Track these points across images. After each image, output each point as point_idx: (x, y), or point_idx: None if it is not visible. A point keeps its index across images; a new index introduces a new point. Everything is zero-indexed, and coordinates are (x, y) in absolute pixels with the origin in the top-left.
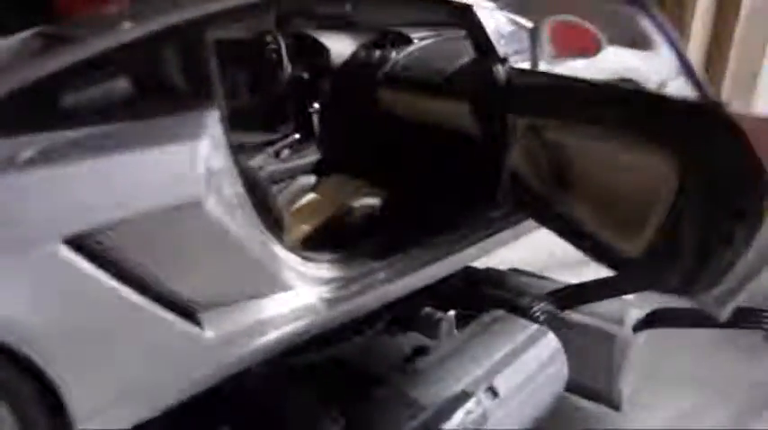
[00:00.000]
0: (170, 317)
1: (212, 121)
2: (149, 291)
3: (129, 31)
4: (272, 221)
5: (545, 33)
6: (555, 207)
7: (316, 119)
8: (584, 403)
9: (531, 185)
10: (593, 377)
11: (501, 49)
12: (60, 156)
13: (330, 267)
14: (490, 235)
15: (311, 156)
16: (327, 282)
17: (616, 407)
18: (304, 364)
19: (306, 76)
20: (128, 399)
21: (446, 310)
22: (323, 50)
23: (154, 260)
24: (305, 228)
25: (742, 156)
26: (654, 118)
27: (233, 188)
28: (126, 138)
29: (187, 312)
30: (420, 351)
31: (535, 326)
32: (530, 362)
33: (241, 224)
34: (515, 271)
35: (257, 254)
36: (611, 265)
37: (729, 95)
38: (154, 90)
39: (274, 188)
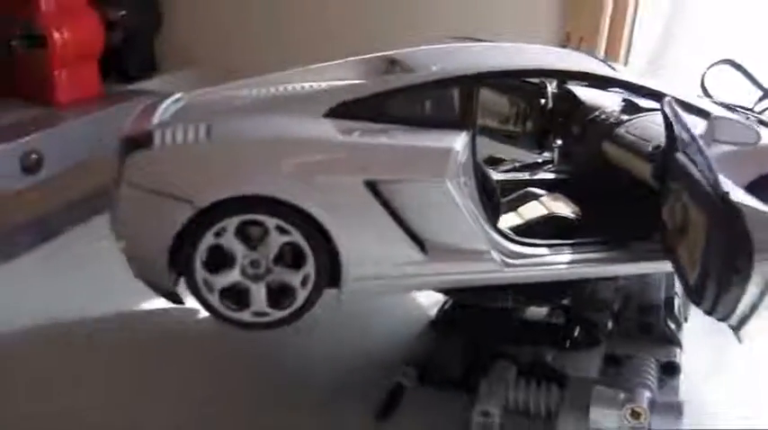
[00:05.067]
0: (411, 243)
1: (465, 138)
2: (402, 223)
3: (433, 74)
4: (489, 205)
5: (712, 129)
6: (674, 248)
7: (557, 151)
8: None
9: (667, 231)
10: None
11: (682, 135)
12: (375, 134)
13: (517, 245)
14: (647, 259)
15: (545, 175)
16: (512, 253)
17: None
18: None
19: (561, 119)
20: (371, 282)
21: None
22: (579, 102)
23: (409, 208)
24: (518, 220)
25: (738, 229)
26: (709, 200)
27: (467, 178)
28: (415, 135)
29: (422, 244)
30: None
31: None
32: None
33: (465, 202)
34: None
35: (471, 222)
36: (686, 292)
37: None
38: (441, 112)
39: (512, 191)
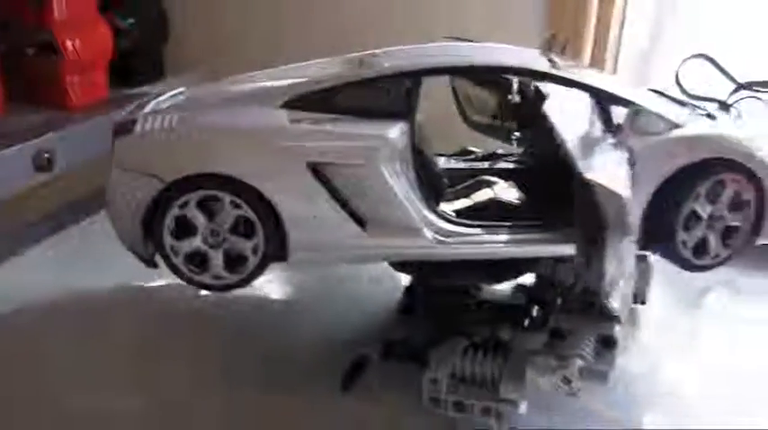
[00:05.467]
0: (350, 220)
1: (402, 127)
2: (342, 202)
3: (377, 71)
4: (426, 188)
5: (628, 120)
6: None
7: (517, 142)
8: None
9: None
10: None
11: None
12: (320, 123)
13: (451, 224)
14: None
15: (505, 165)
16: (445, 232)
17: (643, 302)
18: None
19: (525, 110)
20: (314, 253)
21: None
22: (542, 97)
23: (348, 188)
24: (466, 203)
25: (590, 206)
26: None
27: (404, 163)
28: (356, 124)
29: (359, 219)
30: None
31: None
32: None
33: (400, 184)
34: None
35: (405, 203)
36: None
37: None
38: (384, 105)
39: (470, 179)
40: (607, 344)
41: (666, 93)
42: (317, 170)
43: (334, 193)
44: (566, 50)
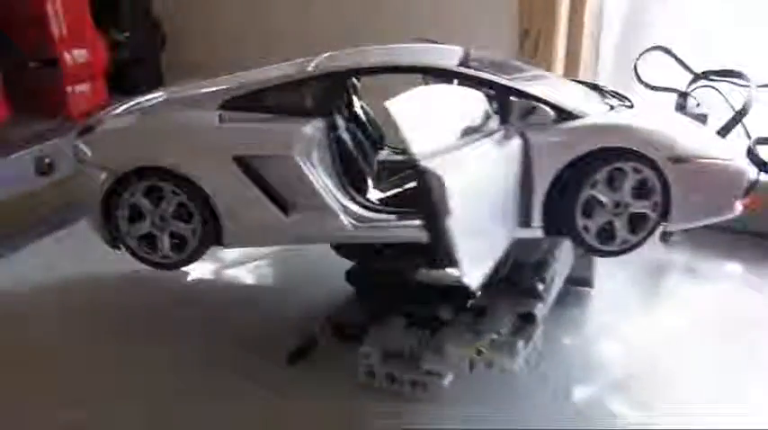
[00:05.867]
0: (272, 205)
1: (320, 123)
2: (266, 190)
3: (302, 72)
4: (345, 177)
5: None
6: None
7: None
8: None
9: None
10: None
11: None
12: (246, 121)
13: (366, 210)
14: None
15: None
16: (361, 218)
17: (591, 285)
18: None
19: None
20: (243, 236)
21: None
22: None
23: (270, 177)
24: (395, 192)
25: (427, 191)
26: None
27: (322, 155)
28: (278, 121)
29: (282, 206)
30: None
31: None
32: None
33: (317, 174)
34: None
35: (321, 191)
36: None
37: None
38: (307, 103)
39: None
40: (526, 320)
41: (591, 83)
42: (242, 162)
43: (258, 183)
44: (538, 45)
